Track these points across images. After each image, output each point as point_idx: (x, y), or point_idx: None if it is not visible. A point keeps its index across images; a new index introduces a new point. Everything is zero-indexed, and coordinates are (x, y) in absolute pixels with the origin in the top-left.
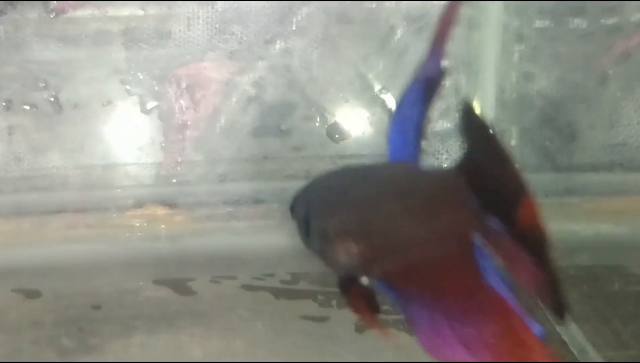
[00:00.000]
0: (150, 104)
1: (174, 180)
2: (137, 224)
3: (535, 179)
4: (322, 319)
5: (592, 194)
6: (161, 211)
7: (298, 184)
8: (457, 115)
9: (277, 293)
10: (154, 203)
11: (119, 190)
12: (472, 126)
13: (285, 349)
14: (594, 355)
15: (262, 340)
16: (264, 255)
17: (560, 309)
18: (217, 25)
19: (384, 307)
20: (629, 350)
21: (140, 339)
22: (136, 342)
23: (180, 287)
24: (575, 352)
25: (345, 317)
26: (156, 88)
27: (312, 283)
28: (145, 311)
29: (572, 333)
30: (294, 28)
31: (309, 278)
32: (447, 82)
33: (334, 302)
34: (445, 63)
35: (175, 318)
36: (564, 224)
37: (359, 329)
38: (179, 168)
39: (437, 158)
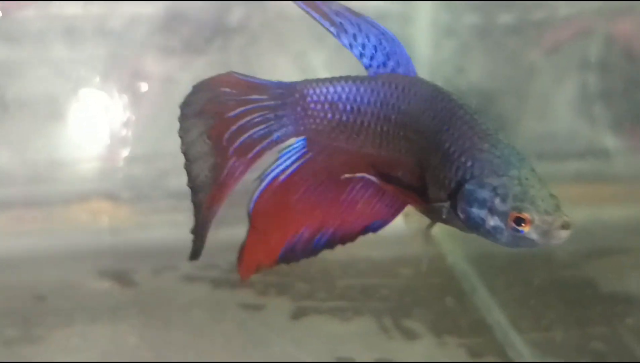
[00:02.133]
0: (94, 101)
1: (118, 175)
2: (82, 218)
3: None
4: (259, 307)
5: None
6: (105, 205)
7: None
8: None
9: (217, 283)
10: (98, 197)
11: (64, 185)
12: None
13: (222, 337)
14: (517, 338)
15: (199, 329)
16: (205, 246)
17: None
18: (158, 23)
19: (320, 295)
20: (550, 332)
21: (81, 329)
22: (78, 332)
23: (123, 279)
24: (499, 336)
25: (281, 305)
26: (100, 85)
27: None
28: (88, 303)
29: (497, 319)
30: (233, 25)
31: None
32: None
33: (271, 291)
34: None
35: (117, 308)
36: None
37: (295, 316)
38: (122, 163)
39: None
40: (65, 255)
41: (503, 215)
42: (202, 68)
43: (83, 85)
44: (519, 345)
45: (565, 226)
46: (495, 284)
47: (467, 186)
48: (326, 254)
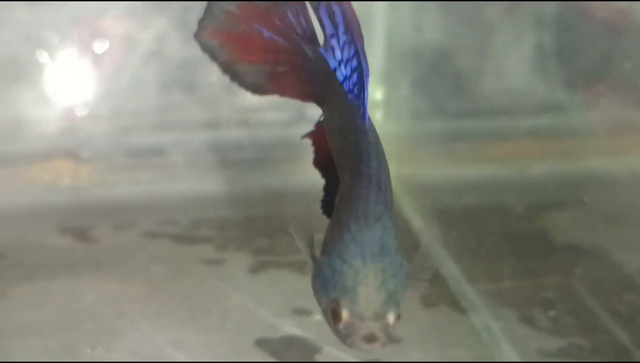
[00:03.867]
0: (55, 60)
1: (79, 134)
2: (44, 177)
3: (425, 127)
4: (219, 262)
5: (478, 140)
6: (67, 163)
7: (201, 136)
8: None
9: (177, 239)
10: (60, 156)
11: (26, 145)
12: None
13: (181, 292)
14: (469, 289)
15: (159, 284)
16: (166, 203)
17: None
18: None
19: (279, 249)
20: (503, 282)
21: (42, 285)
22: (38, 288)
23: (83, 236)
24: (452, 287)
25: (241, 260)
26: (60, 45)
27: (212, 228)
28: (48, 259)
29: (451, 271)
30: None
31: (210, 224)
32: None
33: (231, 246)
34: None
35: (77, 265)
36: (451, 168)
37: (254, 271)
38: (83, 122)
39: None
40: (26, 213)
41: (329, 301)
42: (163, 28)
43: (44, 45)
44: (471, 296)
45: (368, 338)
46: (449, 237)
47: (319, 258)
48: (286, 209)
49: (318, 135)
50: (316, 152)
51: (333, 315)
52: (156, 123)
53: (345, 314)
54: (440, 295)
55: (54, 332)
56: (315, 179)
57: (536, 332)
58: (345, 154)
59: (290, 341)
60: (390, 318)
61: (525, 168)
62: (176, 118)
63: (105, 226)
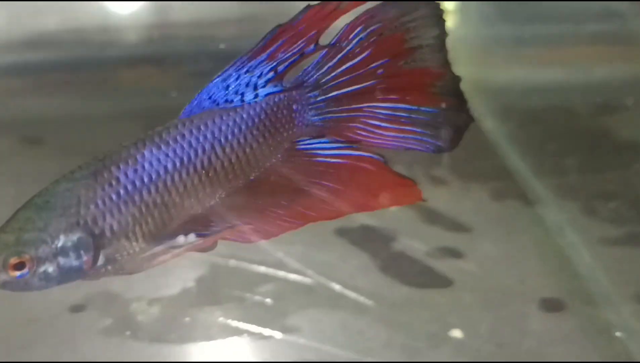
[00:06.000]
0: None
1: None
2: None
3: (494, 32)
4: None
5: (545, 44)
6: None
7: None
8: None
9: None
10: None
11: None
12: None
13: None
14: (536, 183)
15: None
16: None
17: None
18: None
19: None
20: (567, 177)
21: None
22: None
23: None
24: (519, 181)
25: None
26: None
27: None
28: None
29: (518, 167)
30: None
31: None
32: None
33: None
34: None
35: None
36: (519, 71)
37: None
38: None
39: None
40: None
41: None
42: None
43: None
44: (538, 189)
45: None
46: (517, 134)
47: None
48: None
49: None
50: None
51: None
52: None
53: None
54: (507, 189)
55: None
56: None
57: (598, 222)
58: None
59: (367, 231)
60: None
61: (589, 71)
62: None
63: None
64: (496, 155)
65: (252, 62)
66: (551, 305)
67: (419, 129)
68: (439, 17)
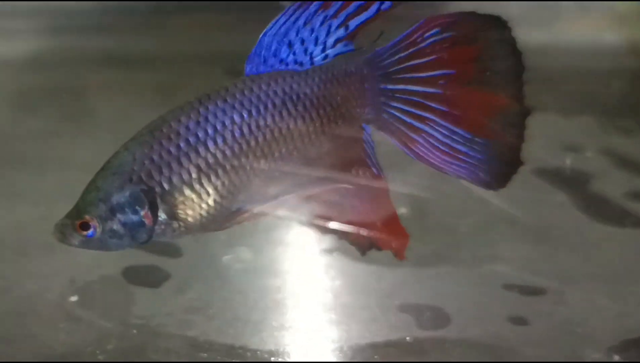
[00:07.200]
0: None
1: None
2: None
3: None
4: None
5: None
6: None
7: None
8: None
9: None
10: None
11: None
12: None
13: None
14: None
15: None
16: None
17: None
18: None
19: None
20: None
21: None
22: None
23: None
24: None
25: None
26: None
27: None
28: None
29: None
30: None
31: None
32: None
33: None
34: None
35: None
36: None
37: None
38: None
39: None
40: None
41: None
42: None
43: None
44: None
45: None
46: None
47: None
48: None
49: None
50: None
51: None
52: None
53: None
54: None
55: None
56: None
57: None
58: None
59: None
60: None
61: None
62: None
63: None
64: None
65: (316, 16)
66: None
67: (472, 160)
68: (513, 45)
